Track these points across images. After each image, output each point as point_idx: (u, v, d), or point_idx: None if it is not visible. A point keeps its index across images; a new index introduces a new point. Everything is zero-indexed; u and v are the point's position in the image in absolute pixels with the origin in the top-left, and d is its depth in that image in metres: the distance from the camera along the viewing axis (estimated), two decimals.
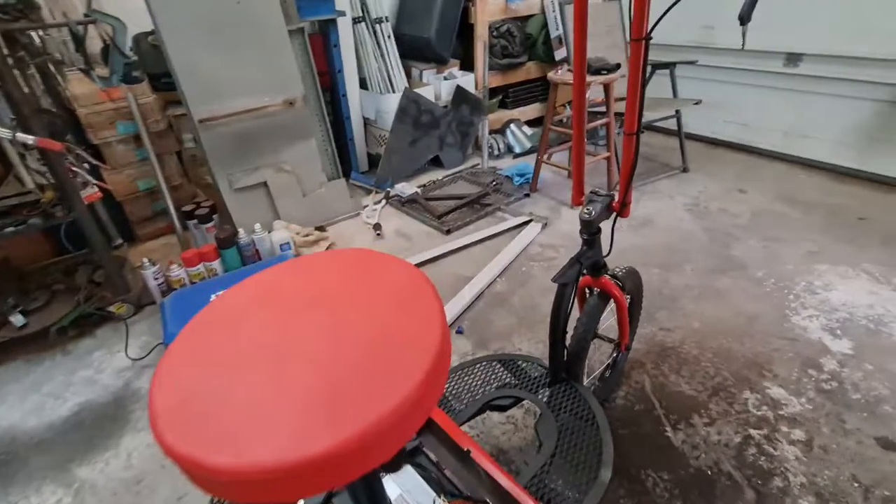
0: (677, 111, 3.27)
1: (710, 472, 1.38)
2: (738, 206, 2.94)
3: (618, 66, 2.81)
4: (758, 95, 3.52)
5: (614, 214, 1.22)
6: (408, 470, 1.06)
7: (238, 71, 2.50)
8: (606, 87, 2.83)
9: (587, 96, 2.78)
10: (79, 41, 2.29)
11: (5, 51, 1.86)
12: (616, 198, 1.21)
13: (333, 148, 3.31)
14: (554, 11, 3.68)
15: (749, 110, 3.61)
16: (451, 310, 2.12)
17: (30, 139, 1.73)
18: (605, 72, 2.73)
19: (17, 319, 2.09)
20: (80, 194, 2.08)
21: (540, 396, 1.34)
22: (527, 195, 3.33)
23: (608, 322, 1.52)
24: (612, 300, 1.37)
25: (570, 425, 1.23)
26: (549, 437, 1.19)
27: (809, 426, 1.51)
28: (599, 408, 1.26)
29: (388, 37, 3.50)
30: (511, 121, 4.11)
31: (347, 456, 0.48)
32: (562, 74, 2.87)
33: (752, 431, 1.50)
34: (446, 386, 1.41)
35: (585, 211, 1.17)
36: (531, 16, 3.84)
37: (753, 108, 3.58)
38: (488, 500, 0.95)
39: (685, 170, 3.44)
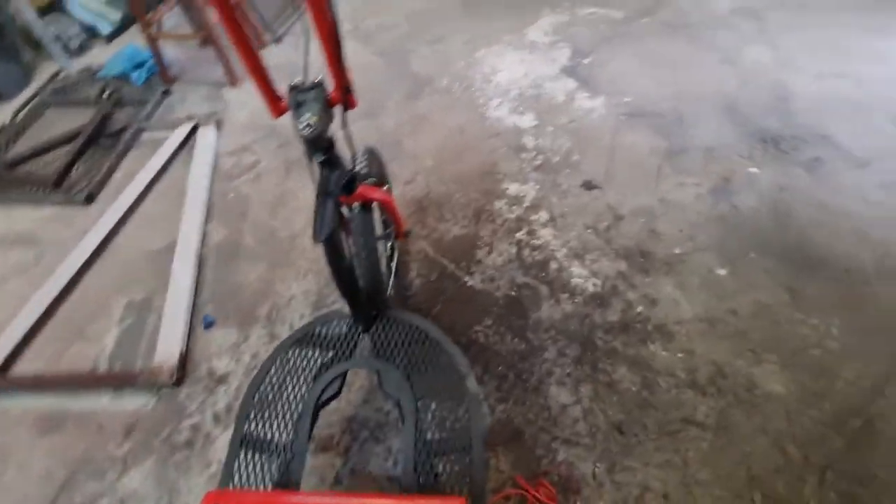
0: None
1: (513, 293, 1.52)
2: (389, 15, 2.78)
3: None
4: None
5: (341, 109, 0.86)
6: None
7: None
8: None
9: None
10: None
11: None
12: (331, 85, 0.84)
13: None
14: None
15: None
16: (177, 303, 1.51)
17: None
18: None
19: None
20: None
21: (362, 352, 1.12)
22: (166, 93, 2.40)
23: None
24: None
25: (412, 359, 1.08)
26: (401, 390, 1.02)
27: (545, 203, 1.76)
28: (424, 320, 1.12)
29: None
30: None
31: None
32: None
33: (518, 235, 1.67)
34: (256, 421, 1.03)
35: (303, 124, 0.78)
36: None
37: None
38: None
39: None
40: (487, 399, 1.29)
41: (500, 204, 1.77)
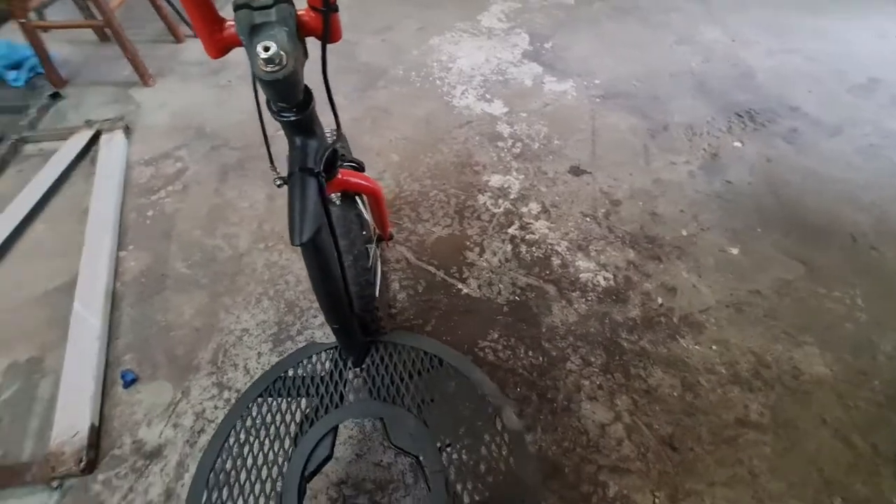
0: None
1: (517, 297, 1.29)
2: None
3: None
4: None
5: (322, 39, 0.59)
6: None
7: None
8: None
9: None
10: None
11: None
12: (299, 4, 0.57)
13: None
14: None
15: None
16: (82, 359, 1.13)
17: None
18: None
19: None
20: None
21: (356, 395, 0.83)
22: (55, 96, 1.95)
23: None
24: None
25: (424, 397, 0.81)
26: (419, 441, 0.75)
27: (533, 193, 1.57)
28: (432, 342, 0.86)
29: None
30: None
31: None
32: None
33: (511, 231, 1.45)
34: None
35: (266, 56, 0.49)
36: None
37: None
38: None
39: None
40: None
41: (483, 198, 1.55)
